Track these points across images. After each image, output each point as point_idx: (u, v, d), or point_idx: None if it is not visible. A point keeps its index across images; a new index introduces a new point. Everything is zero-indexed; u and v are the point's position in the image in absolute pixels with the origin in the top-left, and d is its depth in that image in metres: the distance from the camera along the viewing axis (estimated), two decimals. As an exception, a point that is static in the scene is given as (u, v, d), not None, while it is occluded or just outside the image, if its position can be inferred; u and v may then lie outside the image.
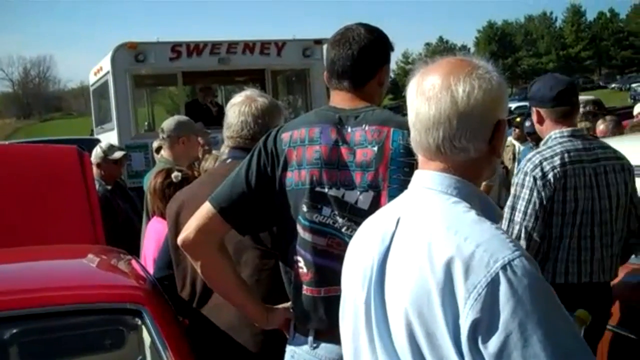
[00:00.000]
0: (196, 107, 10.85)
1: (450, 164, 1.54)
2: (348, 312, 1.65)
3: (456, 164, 1.53)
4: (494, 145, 1.54)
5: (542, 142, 3.36)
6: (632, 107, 18.63)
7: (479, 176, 1.58)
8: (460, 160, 1.53)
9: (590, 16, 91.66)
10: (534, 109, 3.43)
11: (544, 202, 3.11)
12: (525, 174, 3.17)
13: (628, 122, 10.80)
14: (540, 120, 3.38)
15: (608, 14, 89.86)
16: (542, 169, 3.14)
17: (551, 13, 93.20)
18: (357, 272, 1.60)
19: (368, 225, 1.69)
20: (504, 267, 1.34)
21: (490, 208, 1.57)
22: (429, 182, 1.55)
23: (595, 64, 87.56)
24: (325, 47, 11.40)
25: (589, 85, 66.04)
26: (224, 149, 3.59)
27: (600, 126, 7.45)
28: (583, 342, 1.39)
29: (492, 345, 1.32)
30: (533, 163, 3.19)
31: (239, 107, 2.97)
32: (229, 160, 2.97)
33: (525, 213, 3.13)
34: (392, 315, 1.49)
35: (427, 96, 1.53)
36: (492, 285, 1.33)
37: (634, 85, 53.88)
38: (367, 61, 2.35)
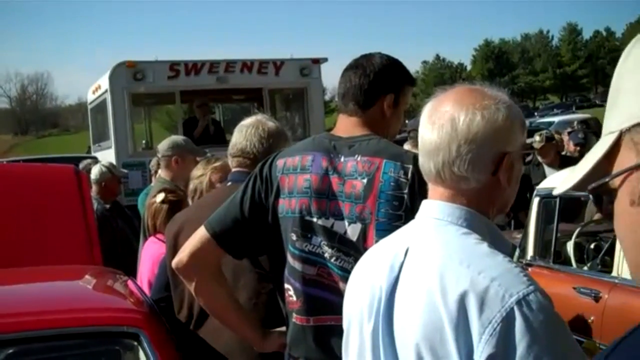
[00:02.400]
0: (194, 124, 10.85)
1: (455, 192, 1.52)
2: (353, 343, 1.62)
3: (461, 193, 1.52)
4: (498, 178, 1.52)
5: None
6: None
7: (489, 208, 1.56)
8: (464, 189, 1.51)
9: (587, 34, 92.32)
10: None
11: None
12: None
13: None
14: None
15: (604, 33, 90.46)
16: None
17: (548, 31, 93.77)
18: (363, 302, 1.58)
19: (373, 254, 1.66)
20: (519, 302, 1.33)
21: (500, 240, 1.55)
22: (438, 212, 1.53)
23: (592, 82, 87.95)
24: (323, 66, 11.47)
25: (585, 103, 66.16)
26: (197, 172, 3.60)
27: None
28: None
29: None
30: None
31: (247, 128, 2.97)
32: (229, 183, 2.97)
33: None
34: (402, 349, 1.47)
35: (432, 122, 1.54)
36: (508, 320, 1.31)
37: (630, 103, 53.96)
38: (368, 85, 2.33)
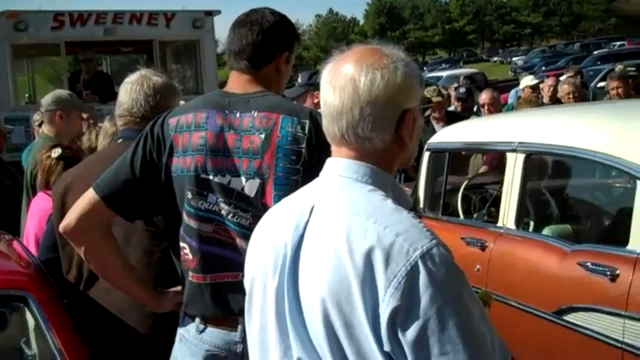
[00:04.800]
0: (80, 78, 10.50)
1: (360, 152, 1.53)
2: (256, 300, 1.61)
3: (366, 153, 1.53)
4: (400, 135, 1.54)
5: None
6: (513, 80, 19.41)
7: (391, 165, 1.58)
8: (369, 148, 1.53)
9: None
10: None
11: None
12: None
13: (507, 95, 11.24)
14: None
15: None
16: None
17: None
18: (267, 259, 1.57)
19: (277, 212, 1.65)
20: (422, 256, 1.36)
21: (402, 196, 1.58)
22: (343, 170, 1.54)
23: (479, 37, 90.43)
24: (215, 18, 11.29)
25: (472, 58, 68.05)
26: (107, 124, 3.48)
27: (483, 96, 7.73)
28: (491, 323, 1.44)
29: (411, 332, 1.34)
30: None
31: (131, 85, 2.88)
32: (119, 141, 2.89)
33: None
34: (307, 305, 1.47)
35: (333, 85, 1.52)
36: (412, 274, 1.35)
37: (514, 58, 56.02)
38: (265, 43, 2.30)
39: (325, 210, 1.51)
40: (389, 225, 1.40)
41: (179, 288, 2.39)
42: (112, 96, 9.21)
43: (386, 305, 1.35)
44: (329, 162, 1.59)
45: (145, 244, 2.67)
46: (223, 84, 2.48)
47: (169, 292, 2.46)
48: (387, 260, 1.36)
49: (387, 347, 1.37)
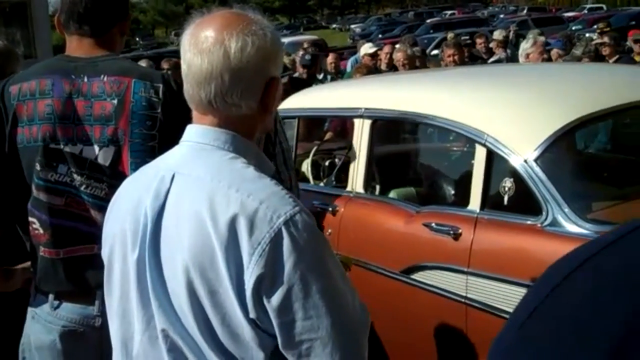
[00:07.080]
0: None
1: (224, 119, 1.52)
2: (116, 272, 1.58)
3: (230, 120, 1.52)
4: (265, 103, 1.54)
5: None
6: (351, 47, 19.80)
7: (253, 132, 1.58)
8: (233, 115, 1.52)
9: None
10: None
11: None
12: None
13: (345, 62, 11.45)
14: None
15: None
16: None
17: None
18: (126, 230, 1.54)
19: (136, 180, 1.62)
20: (286, 223, 1.38)
21: (264, 163, 1.59)
22: (204, 137, 1.52)
23: (318, 4, 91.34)
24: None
25: (312, 25, 68.78)
26: None
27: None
28: (353, 286, 1.50)
29: (276, 299, 1.37)
30: None
31: None
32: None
33: None
34: (170, 275, 1.46)
35: (200, 49, 1.49)
36: (276, 241, 1.37)
37: (352, 26, 57.15)
38: (110, 7, 2.22)
39: (186, 178, 1.50)
40: (251, 192, 1.41)
41: (27, 264, 2.29)
42: None
43: (251, 273, 1.37)
44: (189, 129, 1.57)
45: (-13, 219, 2.52)
46: (57, 47, 2.35)
47: (17, 269, 2.35)
48: (250, 228, 1.37)
49: (252, 314, 1.39)
